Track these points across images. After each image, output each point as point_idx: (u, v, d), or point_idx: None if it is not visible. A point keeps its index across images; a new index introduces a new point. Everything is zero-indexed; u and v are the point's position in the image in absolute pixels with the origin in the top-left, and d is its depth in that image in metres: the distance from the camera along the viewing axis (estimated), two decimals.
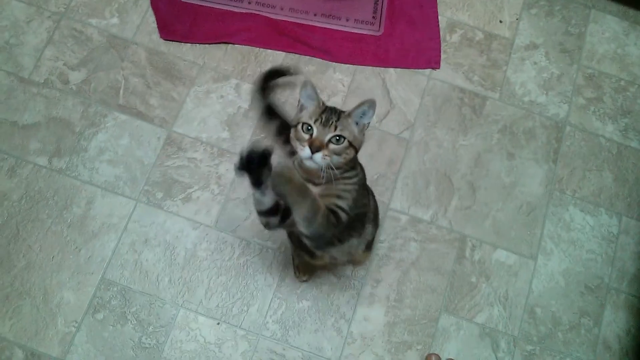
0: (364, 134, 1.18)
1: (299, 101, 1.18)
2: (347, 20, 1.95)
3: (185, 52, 1.86)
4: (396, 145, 1.81)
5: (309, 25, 1.93)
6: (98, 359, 1.52)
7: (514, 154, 1.83)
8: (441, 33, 1.95)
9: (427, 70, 1.91)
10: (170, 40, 1.87)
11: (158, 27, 1.88)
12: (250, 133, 1.77)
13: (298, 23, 1.93)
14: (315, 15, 1.95)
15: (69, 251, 1.61)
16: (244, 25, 1.91)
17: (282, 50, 1.89)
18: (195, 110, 1.79)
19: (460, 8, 2.00)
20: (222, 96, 1.81)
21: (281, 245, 1.66)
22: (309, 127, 1.12)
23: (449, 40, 1.95)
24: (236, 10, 1.92)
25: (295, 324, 1.59)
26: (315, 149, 1.09)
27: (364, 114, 1.15)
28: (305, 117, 1.14)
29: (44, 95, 1.76)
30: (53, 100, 1.75)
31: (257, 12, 1.92)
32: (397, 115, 1.84)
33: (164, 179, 1.70)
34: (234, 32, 1.89)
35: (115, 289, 1.58)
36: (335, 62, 1.90)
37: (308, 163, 1.12)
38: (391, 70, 1.90)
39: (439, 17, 1.97)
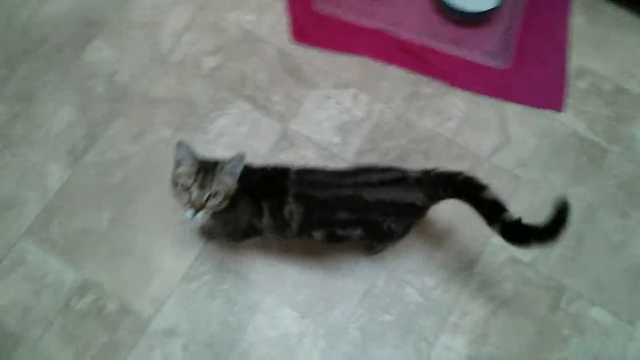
0: (235, 179, 1.27)
1: (174, 159, 1.26)
2: (474, 49, 1.96)
3: (312, 57, 1.92)
4: (506, 180, 1.77)
5: (434, 48, 1.95)
6: (183, 325, 1.57)
7: (628, 212, 1.74)
8: (569, 77, 1.91)
9: (549, 111, 1.87)
10: (300, 44, 1.94)
11: (291, 29, 1.96)
12: (361, 143, 1.80)
13: (422, 45, 1.95)
14: (441, 40, 1.97)
15: (175, 221, 1.68)
16: (371, 39, 1.95)
17: (403, 67, 1.92)
18: (312, 112, 1.84)
19: (592, 55, 1.95)
20: (339, 103, 1.86)
21: (376, 257, 1.66)
22: (187, 188, 1.22)
23: (576, 85, 1.91)
24: (366, 25, 1.98)
25: (376, 336, 1.57)
26: (196, 210, 1.23)
27: (235, 166, 1.25)
28: (183, 177, 1.24)
29: (177, 74, 1.87)
30: (184, 80, 1.86)
31: (385, 30, 1.97)
32: (512, 151, 1.81)
33: None
34: (361, 44, 1.95)
35: (210, 264, 1.63)
36: (455, 87, 1.90)
37: (192, 222, 1.27)
38: (511, 104, 1.88)
39: (568, 61, 1.93)
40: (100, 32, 1.92)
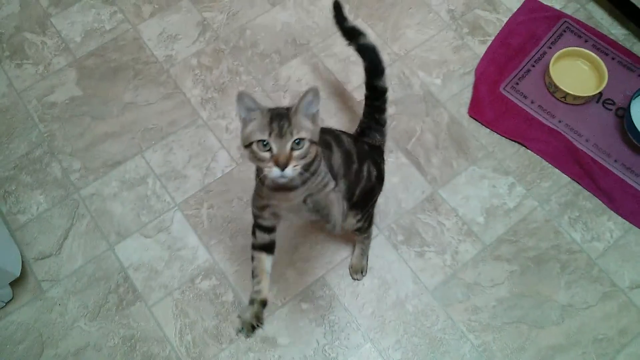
0: (317, 122, 1.12)
1: (239, 116, 1.10)
2: None
3: (481, 134, 1.97)
4: (634, 317, 1.69)
5: (605, 167, 1.91)
6: (283, 339, 1.67)
7: None
8: None
9: None
10: (473, 119, 1.99)
11: (470, 104, 2.02)
12: (503, 231, 1.81)
13: (596, 160, 1.92)
14: (615, 161, 1.93)
15: (310, 246, 1.79)
16: (544, 137, 1.96)
17: (568, 176, 1.90)
18: (465, 185, 1.88)
19: None
20: (494, 186, 1.88)
21: (481, 344, 1.65)
22: (265, 143, 1.06)
23: None
24: (545, 122, 1.99)
25: None
26: (282, 165, 1.05)
27: (310, 104, 1.09)
28: (256, 133, 1.06)
29: (354, 111, 2.00)
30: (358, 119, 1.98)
31: (563, 133, 1.96)
32: None
33: (410, 226, 1.81)
34: (533, 139, 1.96)
35: (328, 292, 1.72)
36: (615, 212, 1.85)
37: (281, 181, 1.08)
38: None
39: None
40: (301, 54, 2.11)
